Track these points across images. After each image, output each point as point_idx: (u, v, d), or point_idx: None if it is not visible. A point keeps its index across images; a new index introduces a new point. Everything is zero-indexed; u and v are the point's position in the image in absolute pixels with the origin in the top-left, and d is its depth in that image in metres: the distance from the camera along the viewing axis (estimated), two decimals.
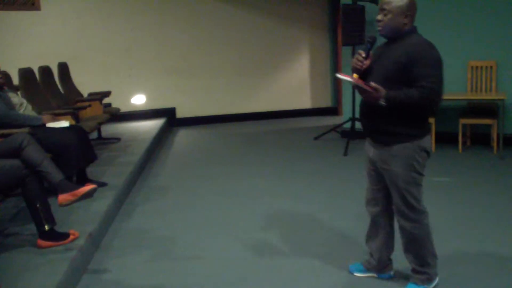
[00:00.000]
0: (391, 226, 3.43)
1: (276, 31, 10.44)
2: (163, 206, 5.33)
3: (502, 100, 6.59)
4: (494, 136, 6.96)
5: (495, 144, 6.96)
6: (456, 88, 7.44)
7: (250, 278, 3.64)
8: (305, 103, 10.87)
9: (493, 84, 7.20)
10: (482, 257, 3.82)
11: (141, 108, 9.92)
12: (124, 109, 8.98)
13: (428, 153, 3.17)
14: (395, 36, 3.10)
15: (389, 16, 3.04)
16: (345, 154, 7.16)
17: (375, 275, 3.52)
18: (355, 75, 3.10)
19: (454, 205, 5.00)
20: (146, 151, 7.15)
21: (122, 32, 9.58)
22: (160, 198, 5.60)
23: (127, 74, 9.71)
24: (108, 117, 7.08)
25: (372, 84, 2.94)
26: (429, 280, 3.28)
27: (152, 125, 9.08)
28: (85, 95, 7.75)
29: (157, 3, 9.72)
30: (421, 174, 3.17)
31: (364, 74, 3.13)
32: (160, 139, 8.66)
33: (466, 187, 5.57)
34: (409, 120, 3.05)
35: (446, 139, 7.45)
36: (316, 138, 8.34)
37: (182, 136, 9.29)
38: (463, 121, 6.97)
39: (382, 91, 2.93)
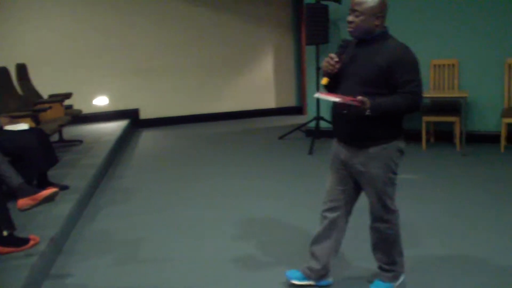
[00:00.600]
0: (345, 230, 3.39)
1: (240, 30, 10.41)
2: (128, 209, 5.25)
3: (464, 97, 6.68)
4: (457, 133, 7.06)
5: (458, 141, 7.05)
6: None
7: (217, 280, 3.60)
8: (270, 103, 10.87)
9: (455, 82, 7.29)
10: (447, 253, 3.85)
11: (103, 110, 9.77)
12: (86, 110, 8.82)
13: (403, 152, 3.17)
14: (366, 37, 3.06)
15: (361, 17, 2.99)
16: (310, 153, 7.17)
17: (313, 283, 3.39)
18: (325, 79, 3.09)
19: (419, 202, 5.04)
20: (110, 153, 7.04)
21: (84, 33, 9.41)
22: (124, 201, 5.51)
23: (89, 75, 9.54)
24: (70, 119, 6.95)
25: (359, 98, 2.88)
26: (395, 277, 3.29)
27: (115, 127, 8.95)
28: (46, 96, 7.58)
29: (118, 3, 9.59)
30: (396, 174, 3.19)
31: (335, 77, 3.10)
32: (124, 141, 8.55)
33: (430, 184, 5.63)
34: (386, 122, 3.04)
35: (410, 137, 7.46)
36: (280, 138, 8.33)
37: (147, 138, 9.19)
38: (426, 118, 7.05)
39: (368, 102, 2.88)
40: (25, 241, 3.66)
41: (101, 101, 9.77)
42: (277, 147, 7.89)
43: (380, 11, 3.01)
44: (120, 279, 3.66)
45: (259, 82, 10.74)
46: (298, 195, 5.43)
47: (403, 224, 4.42)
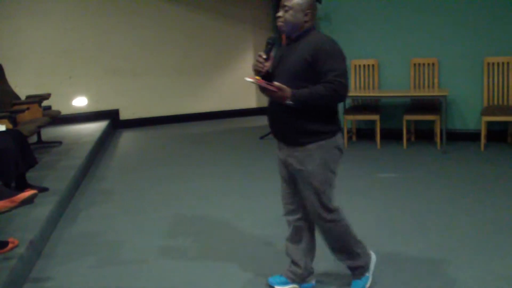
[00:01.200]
0: (313, 230, 3.35)
1: (220, 30, 10.37)
2: (108, 210, 5.19)
3: (444, 96, 6.72)
4: (437, 131, 7.10)
5: (438, 140, 7.09)
6: (399, 86, 7.57)
7: (198, 281, 3.58)
8: (251, 103, 10.84)
9: (435, 80, 7.34)
10: (427, 250, 3.86)
11: (82, 111, 9.67)
12: (65, 111, 8.71)
13: (341, 150, 3.15)
14: (295, 34, 3.06)
15: (290, 12, 3.00)
16: None
17: (297, 286, 3.37)
18: (257, 77, 3.02)
19: (400, 200, 5.06)
20: (89, 154, 6.97)
21: (62, 33, 9.31)
22: (105, 202, 5.45)
23: (67, 75, 9.44)
24: (48, 120, 6.87)
25: (276, 83, 2.87)
26: (365, 268, 3.30)
27: (95, 128, 8.86)
28: (23, 97, 7.48)
29: (96, 4, 9.50)
30: (334, 173, 3.14)
31: (268, 76, 3.06)
32: (104, 142, 8.47)
33: (411, 182, 5.65)
34: (321, 118, 3.03)
35: (390, 136, 7.56)
36: (262, 138, 8.31)
37: (127, 138, 9.11)
38: (407, 117, 7.08)
39: (287, 90, 2.88)
40: (4, 244, 3.60)
41: (80, 102, 9.67)
42: (258, 147, 7.87)
43: (309, 8, 3.02)
44: (101, 281, 3.62)
45: (240, 82, 10.67)
46: (280, 195, 5.40)
47: (384, 222, 4.45)
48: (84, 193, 5.78)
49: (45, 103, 7.45)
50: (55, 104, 8.29)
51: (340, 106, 7.44)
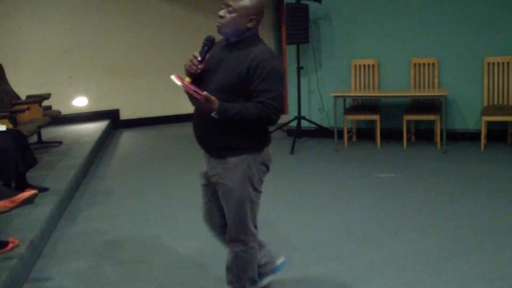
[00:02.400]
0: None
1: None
2: (108, 210, 5.20)
3: (444, 96, 6.71)
4: (438, 131, 7.11)
5: (438, 140, 7.09)
6: (399, 85, 7.57)
7: (197, 280, 3.58)
8: None
9: (436, 80, 7.34)
10: (425, 251, 3.86)
11: (83, 111, 9.67)
12: (65, 111, 8.72)
13: (267, 167, 2.89)
14: (234, 39, 2.78)
15: (233, 14, 2.70)
16: (292, 152, 7.16)
17: (272, 274, 3.28)
18: (187, 79, 2.74)
19: (399, 200, 5.06)
20: (89, 154, 6.97)
21: (61, 32, 9.31)
22: (105, 202, 5.45)
23: (67, 75, 9.44)
24: (48, 120, 6.87)
25: (204, 93, 2.57)
26: None
27: (95, 128, 8.86)
28: (23, 97, 7.48)
29: (96, 3, 9.50)
30: (258, 191, 2.87)
31: (200, 78, 2.80)
32: (104, 142, 8.47)
33: (411, 182, 5.65)
34: (247, 132, 2.76)
35: (390, 136, 7.57)
36: None
37: (127, 138, 9.11)
38: (407, 117, 7.08)
39: (215, 102, 2.59)
40: (4, 244, 3.60)
41: (80, 102, 9.67)
42: None
43: (255, 14, 2.73)
44: (101, 281, 3.62)
45: None
46: (279, 194, 5.42)
47: (384, 221, 4.46)
48: (84, 193, 5.78)
49: (45, 103, 7.46)
50: (55, 104, 8.30)
51: (340, 106, 7.45)
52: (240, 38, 2.76)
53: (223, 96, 2.65)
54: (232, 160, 2.78)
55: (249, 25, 2.73)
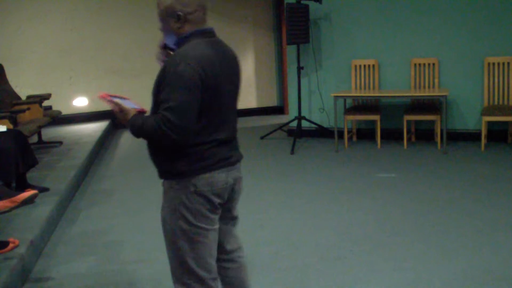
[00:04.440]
0: (225, 276, 2.64)
1: (220, 30, 10.16)
2: (109, 210, 5.19)
3: (444, 96, 6.71)
4: (438, 131, 7.11)
5: (438, 140, 7.10)
6: (400, 86, 7.57)
7: None
8: (251, 103, 10.84)
9: (436, 80, 7.34)
10: (425, 251, 3.86)
11: (83, 111, 9.68)
12: (65, 111, 8.73)
13: (206, 198, 2.33)
14: (174, 46, 2.43)
15: (160, 24, 2.43)
16: (292, 152, 7.16)
17: None
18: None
19: (400, 200, 5.06)
20: (90, 155, 6.97)
21: (61, 33, 9.31)
22: (105, 202, 5.45)
23: (67, 75, 9.45)
24: (49, 120, 6.87)
25: (116, 100, 2.35)
26: None
27: (95, 128, 8.87)
28: (24, 97, 7.49)
29: (97, 4, 9.50)
30: (197, 227, 2.34)
31: None
32: (104, 142, 8.47)
33: (411, 182, 5.65)
34: (168, 152, 2.33)
35: (391, 136, 7.57)
36: (262, 138, 8.31)
37: (127, 138, 9.10)
38: (407, 117, 7.08)
39: (129, 114, 2.33)
40: (5, 244, 3.60)
41: (81, 102, 9.67)
42: (258, 146, 7.87)
43: (180, 8, 2.32)
44: (101, 281, 3.62)
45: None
46: (279, 194, 5.42)
47: (384, 222, 4.45)
48: (84, 193, 5.78)
49: (45, 103, 7.47)
50: (56, 104, 8.31)
51: (340, 106, 7.45)
52: (178, 42, 2.39)
53: (152, 109, 2.34)
54: (164, 184, 2.45)
55: (178, 24, 2.34)
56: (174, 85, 2.19)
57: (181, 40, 2.36)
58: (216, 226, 2.42)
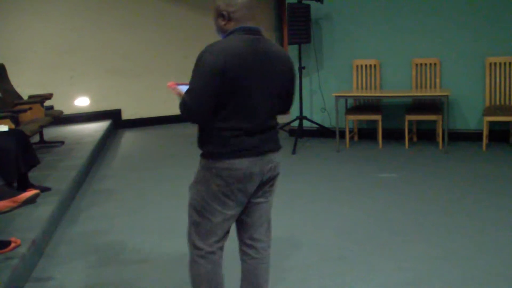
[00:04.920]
0: (244, 261, 2.84)
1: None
2: (110, 210, 5.20)
3: (446, 96, 6.71)
4: (439, 131, 7.10)
5: (440, 140, 7.09)
6: (401, 86, 7.57)
7: None
8: None
9: (437, 80, 7.34)
10: (426, 251, 3.86)
11: (85, 111, 9.68)
12: (67, 111, 8.74)
13: (228, 180, 2.53)
14: None
15: (214, 23, 2.68)
16: (293, 152, 7.16)
17: None
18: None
19: (401, 200, 5.06)
20: (91, 154, 6.97)
21: (64, 33, 9.32)
22: (106, 202, 5.46)
23: (69, 75, 9.45)
24: (50, 120, 6.87)
25: (178, 88, 2.62)
26: None
27: (97, 128, 8.87)
28: (25, 97, 7.49)
29: (98, 4, 9.51)
30: (208, 204, 2.61)
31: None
32: (106, 142, 8.48)
33: (412, 182, 5.65)
34: (202, 135, 2.59)
35: (392, 136, 7.56)
36: None
37: (129, 138, 9.12)
38: (409, 117, 7.08)
39: (181, 96, 2.55)
40: (6, 243, 3.60)
41: (82, 102, 9.68)
42: None
43: (224, 8, 2.58)
44: (102, 281, 3.62)
45: None
46: (281, 194, 5.41)
47: (385, 221, 4.45)
48: (86, 193, 5.78)
49: (47, 103, 7.46)
50: (57, 104, 8.32)
51: (342, 106, 7.46)
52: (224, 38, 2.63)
53: None
54: (200, 159, 2.67)
55: (223, 22, 2.61)
56: (195, 71, 2.47)
57: (224, 36, 2.61)
58: (229, 212, 2.60)
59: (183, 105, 2.46)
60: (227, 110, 2.48)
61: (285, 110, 2.80)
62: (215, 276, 2.71)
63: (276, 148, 2.70)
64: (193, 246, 2.70)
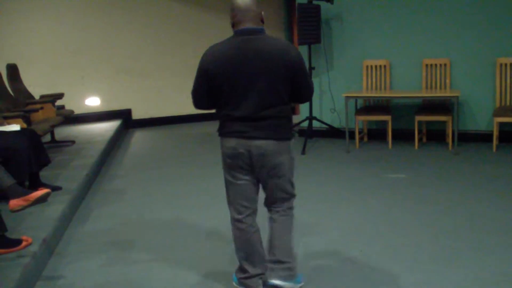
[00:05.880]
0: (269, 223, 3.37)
1: (231, 30, 10.37)
2: (120, 209, 5.23)
3: (456, 97, 6.69)
4: (449, 132, 7.08)
5: (450, 141, 7.07)
6: (411, 86, 7.55)
7: (209, 280, 3.59)
8: None
9: (447, 81, 7.31)
10: (436, 252, 3.86)
11: (95, 110, 9.74)
12: (78, 111, 8.79)
13: (224, 156, 3.16)
14: None
15: None
16: (303, 152, 7.16)
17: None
18: None
19: (410, 201, 5.05)
20: (102, 154, 7.01)
21: (74, 33, 9.38)
22: (116, 201, 5.49)
23: (80, 75, 9.51)
24: (62, 120, 6.92)
25: None
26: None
27: (107, 127, 8.92)
28: (37, 97, 7.55)
29: (109, 4, 9.55)
30: (224, 174, 3.24)
31: None
32: (116, 141, 8.52)
33: (422, 183, 5.64)
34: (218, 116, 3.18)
35: (402, 136, 7.55)
36: None
37: (139, 138, 9.16)
38: (418, 118, 7.06)
39: None
40: (18, 242, 3.63)
41: (93, 102, 9.73)
42: None
43: (231, 17, 3.11)
44: (112, 280, 3.65)
45: None
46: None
47: (394, 222, 4.45)
48: (96, 192, 5.82)
49: (58, 102, 7.52)
50: (68, 103, 8.38)
51: (351, 106, 7.46)
52: None
53: None
54: None
55: (232, 27, 3.12)
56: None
57: None
58: (239, 182, 3.17)
59: (191, 96, 3.17)
60: (222, 100, 3.06)
61: (300, 100, 3.29)
62: (245, 243, 3.24)
63: (265, 136, 3.04)
64: (229, 208, 3.29)
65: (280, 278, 3.19)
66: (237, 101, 3.00)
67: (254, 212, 3.26)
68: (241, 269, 3.27)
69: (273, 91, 2.99)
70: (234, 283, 3.37)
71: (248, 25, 3.01)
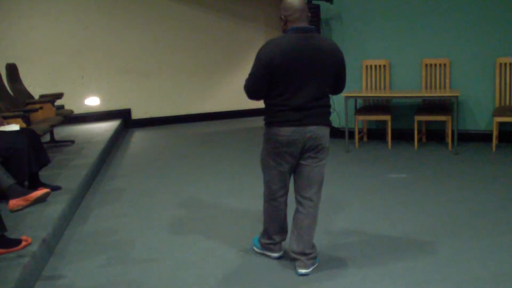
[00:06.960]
0: (295, 213, 3.73)
1: (231, 31, 10.39)
2: (120, 209, 5.22)
3: (456, 97, 6.69)
4: (449, 132, 7.08)
5: (449, 140, 7.07)
6: (411, 86, 7.55)
7: (208, 280, 3.58)
8: (262, 103, 10.81)
9: (447, 81, 7.32)
10: (436, 252, 3.85)
11: (95, 110, 9.73)
12: (77, 111, 8.79)
13: (276, 142, 3.44)
14: None
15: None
16: None
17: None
18: None
19: (410, 201, 5.05)
20: (101, 154, 7.01)
21: (74, 33, 9.38)
22: (116, 201, 5.48)
23: (79, 75, 9.51)
24: (61, 120, 6.92)
25: None
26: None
27: (107, 127, 8.92)
28: (36, 97, 7.55)
29: (109, 3, 9.55)
30: (266, 159, 3.56)
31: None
32: (116, 141, 8.52)
33: (422, 183, 5.64)
34: (265, 108, 3.50)
35: (401, 136, 7.55)
36: None
37: (138, 138, 9.16)
38: (418, 118, 7.06)
39: None
40: (17, 242, 3.62)
41: (92, 101, 9.73)
42: None
43: (283, 14, 3.42)
44: (112, 279, 3.64)
45: None
46: (289, 194, 5.41)
47: (394, 222, 4.45)
48: (96, 192, 5.82)
49: (58, 102, 7.52)
50: (68, 103, 8.37)
51: (351, 106, 7.45)
52: None
53: None
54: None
55: (282, 25, 3.44)
56: (254, 61, 3.41)
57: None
58: (281, 168, 3.53)
59: (245, 86, 3.47)
60: (277, 91, 3.37)
61: (336, 92, 3.67)
62: (278, 218, 3.73)
63: (317, 122, 3.41)
64: (265, 195, 3.72)
65: (307, 267, 3.53)
66: (293, 92, 3.34)
67: (287, 192, 3.71)
68: (268, 237, 3.78)
69: (324, 84, 3.43)
70: (255, 248, 3.90)
71: (304, 24, 3.38)
